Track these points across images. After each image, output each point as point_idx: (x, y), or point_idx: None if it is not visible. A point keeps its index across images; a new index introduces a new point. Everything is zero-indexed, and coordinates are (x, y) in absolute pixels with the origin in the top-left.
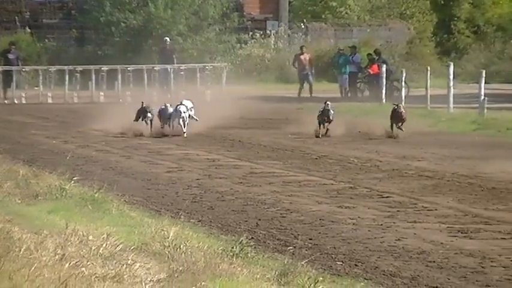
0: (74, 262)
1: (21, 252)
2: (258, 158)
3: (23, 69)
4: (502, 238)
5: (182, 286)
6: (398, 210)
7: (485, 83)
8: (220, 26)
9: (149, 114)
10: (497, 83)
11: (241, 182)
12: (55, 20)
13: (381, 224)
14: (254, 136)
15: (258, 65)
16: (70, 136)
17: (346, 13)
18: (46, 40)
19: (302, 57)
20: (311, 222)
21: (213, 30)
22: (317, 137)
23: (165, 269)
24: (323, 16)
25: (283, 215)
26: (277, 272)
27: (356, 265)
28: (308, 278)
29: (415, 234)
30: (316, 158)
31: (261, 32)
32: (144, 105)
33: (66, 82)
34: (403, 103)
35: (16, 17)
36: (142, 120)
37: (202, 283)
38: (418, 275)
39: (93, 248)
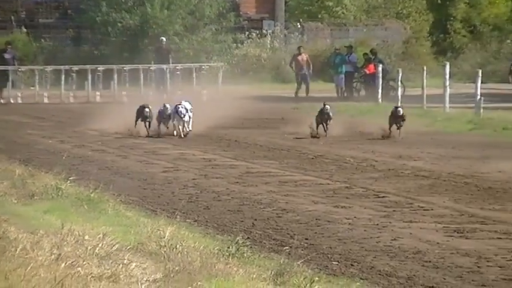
0: (70, 262)
1: (17, 252)
2: (254, 157)
3: (19, 69)
4: (498, 238)
5: (178, 286)
6: (394, 210)
7: (481, 82)
8: (216, 26)
9: (148, 117)
10: (493, 82)
11: (237, 182)
12: (51, 20)
13: (377, 224)
14: (250, 136)
15: (254, 65)
16: (66, 136)
17: (343, 13)
18: (42, 40)
19: (300, 57)
20: (307, 222)
21: (209, 30)
22: (313, 137)
23: (161, 268)
24: (319, 16)
25: (279, 214)
26: (273, 272)
27: (352, 265)
28: (304, 278)
29: (411, 234)
30: (312, 158)
31: (257, 32)
32: (143, 106)
33: (63, 82)
34: (399, 103)
35: (12, 17)
36: (142, 121)
37: (198, 283)
38: (414, 275)
39: (89, 247)
